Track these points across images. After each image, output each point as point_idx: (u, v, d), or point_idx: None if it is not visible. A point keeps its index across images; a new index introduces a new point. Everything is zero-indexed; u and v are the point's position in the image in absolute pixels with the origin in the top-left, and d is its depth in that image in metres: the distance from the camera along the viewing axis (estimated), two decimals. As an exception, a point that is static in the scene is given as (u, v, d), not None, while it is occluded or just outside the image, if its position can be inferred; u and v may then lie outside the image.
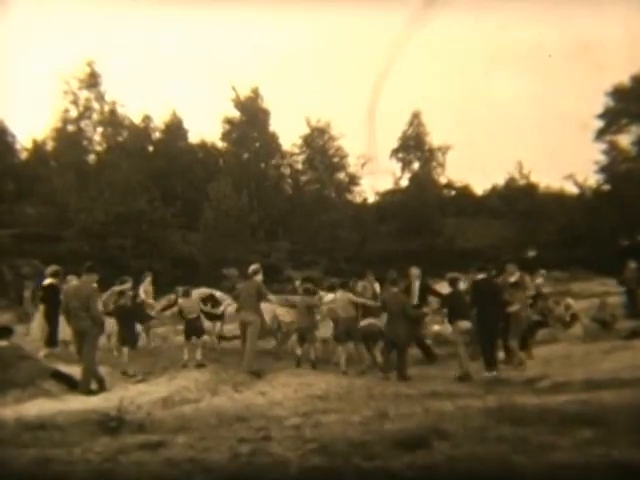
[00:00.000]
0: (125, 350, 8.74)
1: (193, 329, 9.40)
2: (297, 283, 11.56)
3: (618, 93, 30.26)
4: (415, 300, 9.65)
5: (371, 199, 38.24)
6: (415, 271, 9.91)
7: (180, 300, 9.91)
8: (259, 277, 8.96)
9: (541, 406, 4.44)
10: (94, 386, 7.35)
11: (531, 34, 44.34)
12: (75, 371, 7.56)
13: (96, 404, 6.09)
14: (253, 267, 9.07)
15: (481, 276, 8.52)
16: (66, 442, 3.92)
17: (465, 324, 8.36)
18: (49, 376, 7.29)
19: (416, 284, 9.81)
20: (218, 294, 12.09)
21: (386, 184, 39.38)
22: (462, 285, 9.50)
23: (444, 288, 9.60)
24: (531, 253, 24.04)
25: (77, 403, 6.36)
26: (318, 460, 3.21)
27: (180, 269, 26.19)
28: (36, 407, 6.01)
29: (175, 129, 35.68)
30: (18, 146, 34.53)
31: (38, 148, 34.01)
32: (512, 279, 9.17)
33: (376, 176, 38.93)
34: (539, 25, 43.81)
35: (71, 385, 7.31)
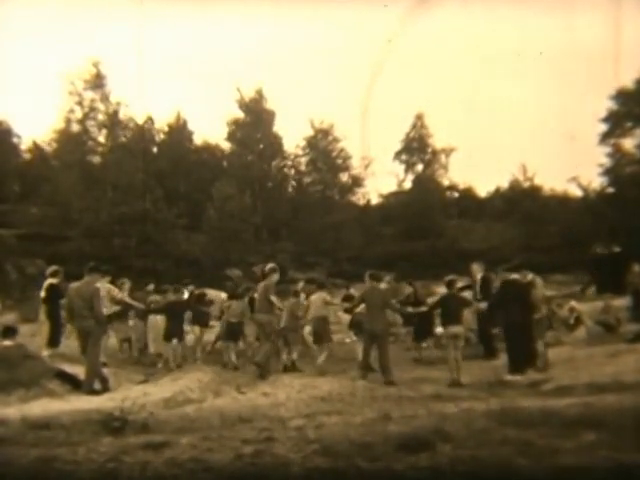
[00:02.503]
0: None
1: (232, 332, 9.67)
2: (301, 284, 11.49)
3: (622, 96, 30.16)
4: (478, 295, 9.51)
5: (374, 201, 38.38)
6: (476, 267, 9.78)
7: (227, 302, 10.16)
8: (274, 277, 8.78)
9: (544, 409, 4.43)
10: (98, 386, 7.37)
11: (533, 36, 44.24)
12: (79, 371, 7.59)
13: (100, 404, 6.10)
14: (268, 266, 8.93)
15: (513, 277, 8.37)
16: (70, 441, 3.94)
17: (457, 329, 8.21)
18: (53, 376, 7.32)
19: (478, 278, 9.67)
20: (213, 293, 11.85)
21: (389, 186, 39.51)
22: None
23: (442, 290, 9.56)
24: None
25: (81, 403, 6.37)
26: (321, 461, 3.22)
27: (183, 269, 26.25)
28: (40, 406, 6.03)
29: (179, 130, 35.78)
30: (23, 146, 34.72)
31: (42, 149, 34.12)
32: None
33: (379, 178, 38.96)
34: (540, 27, 43.71)
35: (75, 385, 7.34)
